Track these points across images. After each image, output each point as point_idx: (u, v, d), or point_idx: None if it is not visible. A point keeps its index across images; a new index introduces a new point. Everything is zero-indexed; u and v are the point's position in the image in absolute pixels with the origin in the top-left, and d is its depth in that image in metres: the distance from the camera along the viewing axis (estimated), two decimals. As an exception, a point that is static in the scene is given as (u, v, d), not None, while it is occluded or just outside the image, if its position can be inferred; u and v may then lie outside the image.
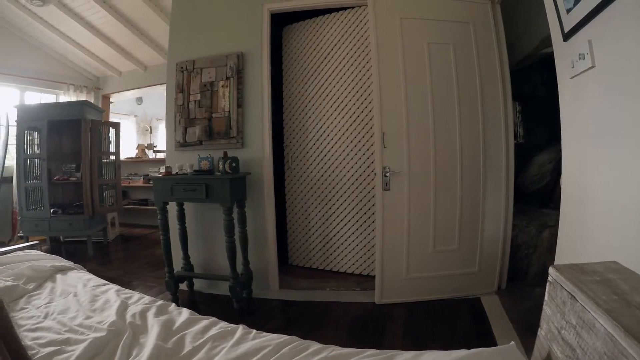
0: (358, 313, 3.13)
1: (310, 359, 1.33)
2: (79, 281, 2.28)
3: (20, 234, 5.38)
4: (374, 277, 3.35)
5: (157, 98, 7.76)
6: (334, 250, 4.05)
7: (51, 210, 5.23)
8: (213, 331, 1.61)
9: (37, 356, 1.40)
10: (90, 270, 2.63)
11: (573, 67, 1.72)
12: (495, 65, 3.29)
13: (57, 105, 6.11)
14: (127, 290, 2.14)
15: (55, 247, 5.68)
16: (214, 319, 1.75)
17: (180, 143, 3.80)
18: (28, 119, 5.26)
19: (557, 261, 2.00)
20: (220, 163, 3.29)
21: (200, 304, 3.51)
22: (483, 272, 3.32)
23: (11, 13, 5.49)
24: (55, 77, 6.69)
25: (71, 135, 5.56)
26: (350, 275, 3.94)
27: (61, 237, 5.96)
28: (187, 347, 1.50)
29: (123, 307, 1.86)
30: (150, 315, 1.77)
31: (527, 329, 2.57)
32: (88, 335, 1.57)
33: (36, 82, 6.43)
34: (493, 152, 3.28)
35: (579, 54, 1.64)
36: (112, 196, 5.94)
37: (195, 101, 3.76)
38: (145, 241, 6.27)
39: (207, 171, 3.35)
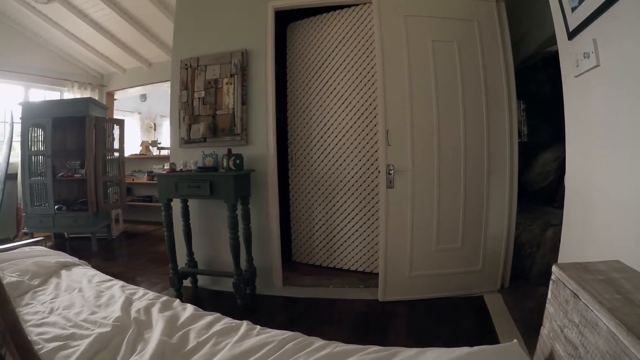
0: (361, 310, 3.14)
1: (314, 355, 1.34)
2: (84, 277, 2.29)
3: (25, 230, 5.40)
4: (377, 274, 3.36)
5: (161, 95, 7.78)
6: (338, 248, 4.05)
7: (56, 207, 5.25)
8: (217, 327, 1.61)
9: (43, 351, 1.42)
10: (95, 267, 2.65)
11: (578, 66, 1.72)
12: (500, 64, 3.28)
13: (62, 102, 6.11)
14: (132, 286, 2.16)
15: (60, 244, 5.70)
16: (218, 314, 1.76)
17: (185, 140, 3.81)
18: (32, 116, 5.28)
19: (560, 260, 2.00)
20: (225, 160, 3.30)
21: (204, 300, 3.52)
22: (486, 270, 3.32)
23: (16, 11, 5.51)
24: (59, 75, 6.71)
25: (75, 132, 5.59)
26: (354, 273, 3.95)
27: (65, 234, 5.99)
28: (192, 342, 1.51)
29: (128, 303, 1.87)
30: (154, 310, 1.78)
31: (530, 327, 2.57)
32: (93, 330, 1.58)
33: (40, 79, 6.45)
34: (497, 150, 3.28)
35: (584, 53, 1.63)
36: (117, 193, 5.96)
37: (199, 98, 3.77)
38: (149, 238, 6.30)
39: (212, 168, 3.36)
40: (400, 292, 3.25)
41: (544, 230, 3.45)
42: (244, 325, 1.62)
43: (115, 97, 7.77)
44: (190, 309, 1.81)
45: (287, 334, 1.51)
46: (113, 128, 5.93)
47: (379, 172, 3.23)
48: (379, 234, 3.29)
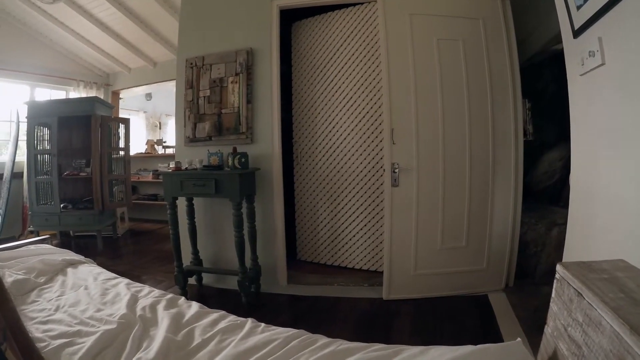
0: (366, 309, 3.15)
1: (318, 352, 1.34)
2: (90, 275, 2.30)
3: (31, 228, 5.43)
4: (381, 273, 3.37)
5: (166, 94, 7.79)
6: (342, 246, 4.06)
7: (61, 205, 5.28)
8: (222, 324, 1.62)
9: (49, 348, 1.42)
10: (100, 265, 2.66)
11: (583, 65, 1.71)
12: (505, 62, 3.27)
13: (67, 101, 6.14)
14: (137, 284, 2.17)
15: (66, 242, 5.74)
16: (223, 312, 1.76)
17: (190, 138, 3.82)
18: (38, 115, 5.31)
19: (565, 259, 2.00)
20: (230, 158, 3.31)
21: (209, 298, 3.54)
22: (491, 269, 3.32)
23: (22, 11, 5.55)
24: (65, 74, 6.75)
25: (81, 131, 5.61)
26: (358, 271, 3.95)
27: (71, 232, 6.02)
28: (197, 339, 1.52)
29: (133, 300, 1.88)
30: (160, 308, 1.79)
31: (534, 326, 2.57)
32: (99, 327, 1.59)
33: (46, 78, 6.49)
34: (502, 149, 3.27)
35: (589, 51, 1.63)
36: (122, 191, 5.98)
37: (204, 97, 3.78)
38: (154, 236, 6.33)
39: (217, 166, 3.37)
40: (405, 291, 3.26)
41: (549, 229, 3.44)
42: (249, 322, 1.63)
43: (120, 96, 7.80)
44: (195, 306, 1.82)
45: (291, 331, 1.52)
46: (118, 127, 5.94)
47: (384, 170, 3.23)
48: (384, 233, 3.29)
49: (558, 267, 1.06)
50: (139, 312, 1.75)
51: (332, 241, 4.12)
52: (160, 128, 9.30)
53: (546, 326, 1.09)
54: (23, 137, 5.40)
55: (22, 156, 5.63)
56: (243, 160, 3.30)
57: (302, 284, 3.71)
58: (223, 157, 3.42)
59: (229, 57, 3.71)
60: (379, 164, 3.71)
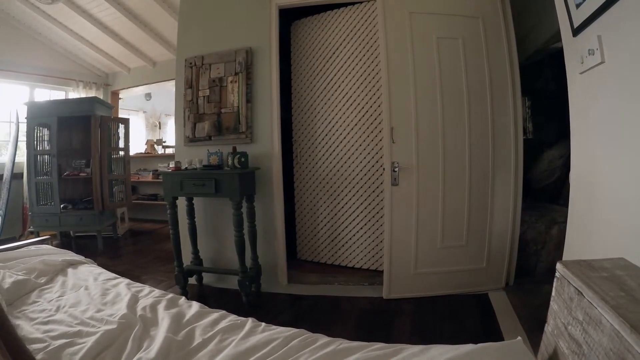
0: (366, 308, 3.15)
1: (318, 351, 1.34)
2: (90, 275, 2.31)
3: (31, 229, 5.43)
4: (382, 272, 3.37)
5: (166, 94, 7.78)
6: (343, 245, 4.06)
7: (61, 206, 5.28)
8: (223, 324, 1.62)
9: (49, 348, 1.43)
10: (101, 265, 2.66)
11: (582, 63, 1.71)
12: (505, 60, 3.27)
13: (67, 101, 6.14)
14: (138, 284, 2.17)
15: (66, 242, 5.74)
16: (223, 312, 1.76)
17: (190, 138, 3.82)
18: (38, 115, 5.31)
19: (565, 257, 2.00)
20: (230, 158, 3.31)
21: (209, 298, 3.54)
22: (491, 268, 3.32)
23: (21, 12, 5.54)
24: (64, 74, 6.75)
25: (81, 131, 5.61)
26: (359, 270, 3.95)
27: (71, 232, 6.02)
28: (197, 339, 1.52)
29: (134, 300, 1.88)
30: (160, 308, 1.79)
31: (534, 325, 2.57)
32: (99, 327, 1.59)
33: (45, 79, 6.49)
34: (502, 147, 3.27)
35: (589, 50, 1.63)
36: (122, 191, 5.98)
37: (204, 97, 3.78)
38: (154, 236, 6.33)
39: (217, 166, 3.37)
40: (405, 290, 3.26)
41: (549, 227, 3.44)
42: (249, 322, 1.63)
43: (120, 96, 7.80)
44: (195, 306, 1.82)
45: (292, 330, 1.52)
46: (118, 127, 5.95)
47: (384, 169, 3.23)
48: (384, 232, 3.29)
49: (558, 266, 1.06)
50: (139, 312, 1.75)
51: (332, 240, 4.12)
52: (159, 128, 9.29)
53: (546, 325, 1.09)
54: (23, 137, 5.41)
55: (22, 157, 5.64)
56: (243, 159, 3.30)
57: (302, 284, 3.71)
58: (223, 157, 3.42)
59: (228, 57, 3.71)
60: (379, 163, 3.71)
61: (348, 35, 3.88)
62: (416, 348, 1.28)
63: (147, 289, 2.07)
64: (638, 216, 1.36)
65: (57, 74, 6.63)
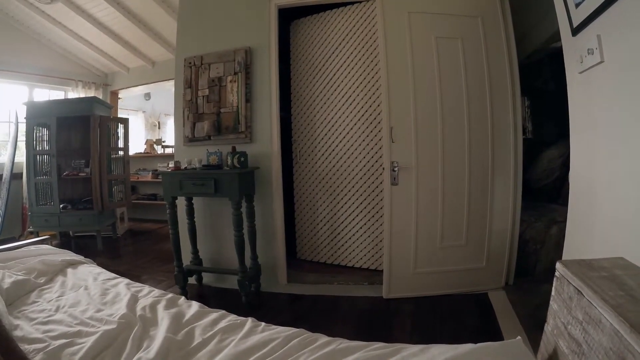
0: (366, 307, 3.15)
1: (318, 351, 1.34)
2: (90, 275, 2.30)
3: (31, 229, 5.43)
4: (381, 271, 3.36)
5: (165, 94, 7.78)
6: (342, 245, 4.06)
7: (61, 206, 5.28)
8: (222, 324, 1.62)
9: (49, 348, 1.43)
10: (100, 265, 2.66)
11: (582, 62, 1.71)
12: (504, 60, 3.26)
13: (66, 101, 6.14)
14: (137, 284, 2.17)
15: (65, 242, 5.74)
16: (223, 311, 1.76)
17: (189, 138, 3.82)
18: (37, 115, 5.30)
19: (564, 257, 2.00)
20: (229, 158, 3.31)
21: (209, 298, 3.54)
22: (490, 267, 3.32)
23: (19, 12, 5.53)
24: (63, 74, 6.74)
25: (80, 131, 5.60)
26: (358, 270, 3.95)
27: (71, 232, 6.01)
28: (197, 339, 1.52)
29: (133, 300, 1.88)
30: (160, 308, 1.79)
31: (534, 324, 2.57)
32: (99, 327, 1.59)
33: (45, 79, 6.47)
34: (501, 147, 3.27)
35: (588, 49, 1.63)
36: (121, 191, 5.98)
37: (203, 96, 3.78)
38: (154, 236, 6.33)
39: (216, 166, 3.37)
40: (405, 289, 3.26)
41: (549, 227, 3.44)
42: (249, 322, 1.63)
43: (119, 96, 7.78)
44: (195, 306, 1.82)
45: (291, 330, 1.52)
46: (117, 127, 5.95)
47: (383, 169, 3.22)
48: (383, 231, 3.29)
49: (558, 265, 1.06)
50: (139, 312, 1.75)
51: (332, 240, 4.12)
52: (159, 128, 9.28)
53: (546, 324, 1.09)
54: (22, 137, 5.40)
55: (21, 157, 5.63)
56: (242, 159, 3.30)
57: (302, 283, 3.71)
58: (222, 157, 3.41)
59: (227, 56, 3.71)
60: (379, 163, 3.71)
61: (347, 35, 3.88)
62: (416, 348, 1.28)
63: (146, 288, 2.07)
64: (638, 216, 1.36)
65: (56, 74, 6.62)
